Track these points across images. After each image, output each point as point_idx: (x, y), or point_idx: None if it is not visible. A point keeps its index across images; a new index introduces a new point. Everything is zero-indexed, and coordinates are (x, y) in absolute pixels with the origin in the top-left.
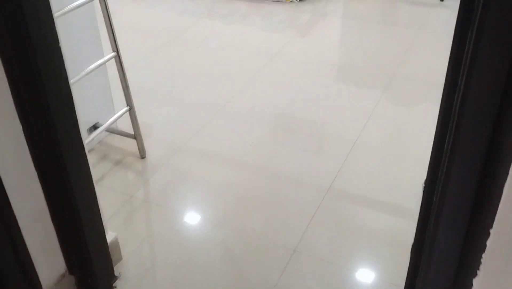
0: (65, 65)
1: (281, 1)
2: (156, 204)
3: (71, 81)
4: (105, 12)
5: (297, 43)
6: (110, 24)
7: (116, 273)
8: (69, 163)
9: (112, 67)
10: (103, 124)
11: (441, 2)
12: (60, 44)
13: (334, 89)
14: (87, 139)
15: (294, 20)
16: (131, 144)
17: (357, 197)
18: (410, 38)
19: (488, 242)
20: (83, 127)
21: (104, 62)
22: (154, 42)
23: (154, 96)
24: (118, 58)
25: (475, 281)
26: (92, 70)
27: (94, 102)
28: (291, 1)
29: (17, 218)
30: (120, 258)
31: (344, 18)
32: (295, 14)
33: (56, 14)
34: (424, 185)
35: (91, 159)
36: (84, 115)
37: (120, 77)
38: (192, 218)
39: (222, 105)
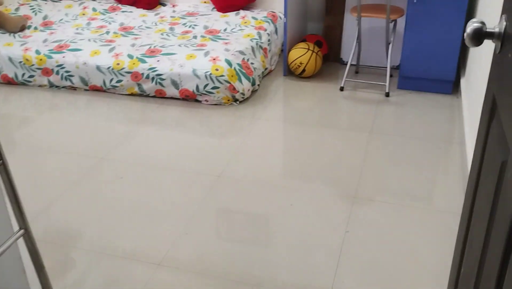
0: None
1: (220, 104)
2: None
3: None
4: (7, 182)
5: (238, 149)
6: (15, 196)
7: None
8: None
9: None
10: None
11: (387, 98)
12: None
13: (282, 196)
14: None
15: (234, 124)
16: None
17: None
18: (361, 142)
19: None
20: None
21: (12, 243)
22: (76, 167)
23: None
24: (27, 236)
25: None
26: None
27: None
28: (231, 104)
29: None
30: None
31: (287, 122)
32: (234, 118)
33: None
34: None
35: None
36: None
37: (32, 258)
38: None
39: (162, 255)
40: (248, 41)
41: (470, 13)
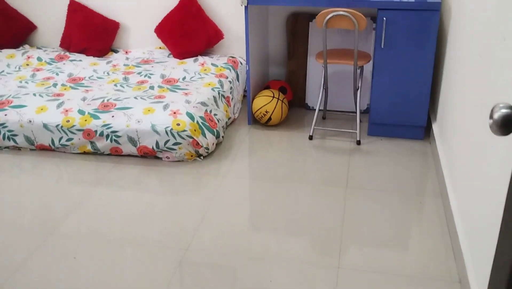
0: None
1: (183, 161)
2: None
3: None
4: None
5: (204, 212)
6: None
7: None
8: None
9: None
10: None
11: (359, 146)
12: None
13: (259, 271)
14: None
15: (198, 183)
16: None
17: None
18: (338, 200)
19: None
20: None
21: None
22: (21, 245)
23: None
24: None
25: None
26: None
27: None
28: (194, 160)
29: None
30: None
31: (256, 179)
32: (199, 176)
33: None
34: None
35: None
36: None
37: None
38: None
39: None
40: (209, 91)
41: (439, 57)
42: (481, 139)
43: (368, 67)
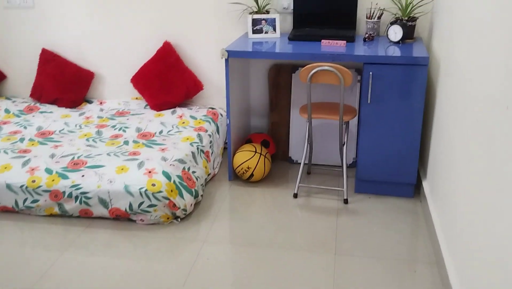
0: None
1: (158, 224)
2: None
3: None
4: None
5: (180, 278)
6: None
7: None
8: None
9: None
10: None
11: (346, 205)
12: None
13: None
14: None
15: (175, 249)
16: None
17: None
18: (327, 268)
19: None
20: None
21: None
22: None
23: None
24: None
25: None
26: None
27: None
28: (171, 222)
29: None
30: None
31: (238, 244)
32: (175, 240)
33: None
34: None
35: None
36: None
37: None
38: None
39: None
40: (187, 146)
41: (428, 112)
42: (485, 202)
43: (353, 120)
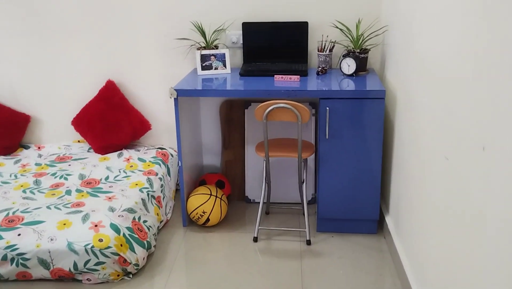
0: None
1: (108, 282)
2: None
3: None
4: None
5: None
6: None
7: None
8: None
9: None
10: None
11: (309, 246)
12: None
13: None
14: None
15: None
16: None
17: None
18: None
19: None
20: None
21: None
22: None
23: None
24: None
25: None
26: None
27: None
28: (122, 279)
29: None
30: None
31: None
32: None
33: None
34: None
35: None
36: None
37: None
38: None
39: None
40: (137, 193)
41: (387, 146)
42: (451, 236)
43: (312, 156)
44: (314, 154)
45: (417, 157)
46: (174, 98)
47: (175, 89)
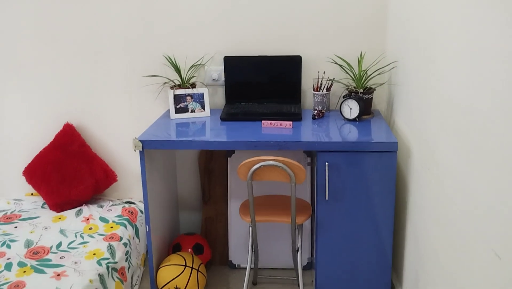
0: None
1: None
2: None
3: None
4: None
5: None
6: None
7: None
8: None
9: None
10: None
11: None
12: None
13: None
14: None
15: None
16: None
17: None
18: None
19: None
20: None
21: None
22: None
23: None
24: None
25: None
26: None
27: None
28: None
29: None
30: None
31: None
32: None
33: None
34: None
35: None
36: None
37: None
38: None
39: None
40: (94, 267)
41: (400, 210)
42: None
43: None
44: (310, 216)
45: (445, 236)
46: (140, 151)
47: (139, 140)
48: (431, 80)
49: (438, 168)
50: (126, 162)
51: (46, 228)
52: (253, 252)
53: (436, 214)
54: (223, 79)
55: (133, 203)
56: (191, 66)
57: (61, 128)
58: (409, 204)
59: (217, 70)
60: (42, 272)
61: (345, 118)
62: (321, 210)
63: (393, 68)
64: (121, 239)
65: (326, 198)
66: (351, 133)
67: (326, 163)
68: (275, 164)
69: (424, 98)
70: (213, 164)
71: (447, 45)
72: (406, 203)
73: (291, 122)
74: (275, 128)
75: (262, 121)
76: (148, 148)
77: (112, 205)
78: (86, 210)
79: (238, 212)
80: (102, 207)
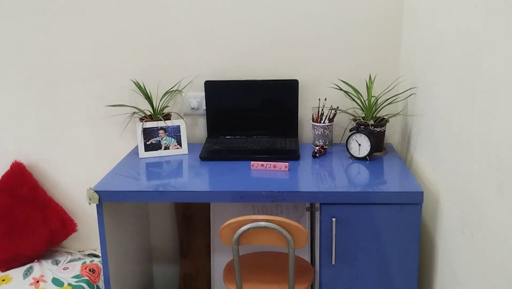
0: None
1: None
2: None
3: None
4: None
5: None
6: None
7: None
8: None
9: None
10: None
11: None
12: None
13: None
14: None
15: None
16: None
17: None
18: None
19: None
20: None
21: None
22: None
23: None
24: None
25: None
26: None
27: None
28: None
29: None
30: None
31: None
32: None
33: None
34: None
35: None
36: None
37: None
38: None
39: None
40: None
41: (424, 278)
42: None
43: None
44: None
45: None
46: (96, 204)
47: (95, 191)
48: (473, 114)
49: (482, 229)
50: (88, 207)
51: None
52: None
53: (467, 272)
54: (204, 108)
55: (97, 256)
56: (165, 93)
57: (8, 168)
58: (437, 271)
59: (196, 98)
60: None
61: (352, 157)
62: (326, 275)
63: (411, 95)
64: None
65: (333, 262)
66: (362, 178)
67: (333, 219)
68: (267, 225)
69: (462, 136)
70: (192, 210)
71: (499, 69)
72: (432, 270)
73: (287, 163)
74: (267, 171)
75: (252, 162)
76: (107, 200)
77: (70, 261)
78: (37, 268)
79: (222, 266)
80: (57, 264)
